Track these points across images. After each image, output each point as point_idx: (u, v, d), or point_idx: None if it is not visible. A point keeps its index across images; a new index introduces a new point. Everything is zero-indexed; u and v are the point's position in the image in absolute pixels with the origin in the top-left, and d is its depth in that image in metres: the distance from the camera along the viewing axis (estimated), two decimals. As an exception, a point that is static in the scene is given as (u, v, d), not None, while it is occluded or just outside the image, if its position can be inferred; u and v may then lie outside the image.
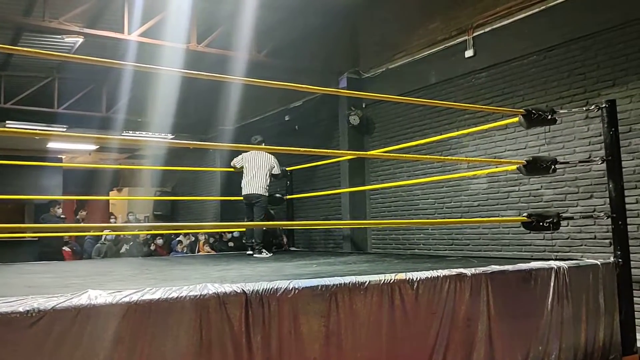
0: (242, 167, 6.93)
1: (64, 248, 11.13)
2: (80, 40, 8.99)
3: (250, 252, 6.69)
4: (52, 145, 13.91)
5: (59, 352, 2.08)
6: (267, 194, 6.81)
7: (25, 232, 12.13)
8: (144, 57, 8.17)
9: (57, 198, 14.70)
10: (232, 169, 7.26)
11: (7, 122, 11.11)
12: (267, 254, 6.48)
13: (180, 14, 7.88)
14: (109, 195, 16.58)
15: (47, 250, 9.47)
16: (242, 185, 6.87)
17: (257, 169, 6.77)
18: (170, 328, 2.29)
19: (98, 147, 14.94)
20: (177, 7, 7.81)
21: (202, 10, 8.21)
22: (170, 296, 2.33)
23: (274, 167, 6.85)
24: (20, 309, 2.03)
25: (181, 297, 2.35)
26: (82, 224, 13.30)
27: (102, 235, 10.77)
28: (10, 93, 11.29)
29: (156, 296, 2.31)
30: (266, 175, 6.77)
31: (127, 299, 2.24)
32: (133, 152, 16.34)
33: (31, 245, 11.02)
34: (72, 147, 14.98)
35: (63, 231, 9.81)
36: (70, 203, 17.09)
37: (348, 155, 8.00)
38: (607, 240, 5.39)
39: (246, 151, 6.94)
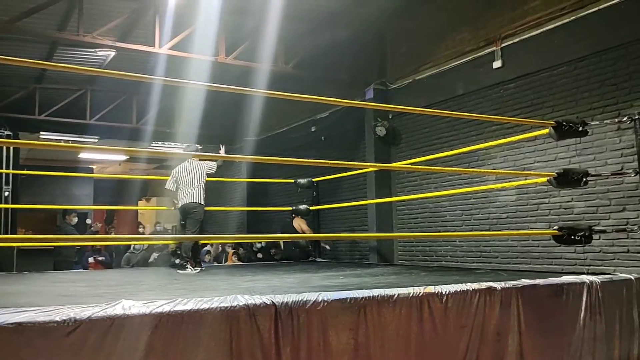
0: (175, 185, 6.41)
1: (90, 260, 11.28)
2: (112, 53, 9.21)
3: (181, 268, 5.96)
4: (83, 155, 14.24)
5: (93, 360, 2.12)
6: (203, 204, 6.32)
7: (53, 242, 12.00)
8: (173, 69, 8.35)
9: (86, 208, 15.05)
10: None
11: (40, 133, 11.41)
12: (192, 270, 5.77)
13: (209, 27, 8.02)
14: (137, 205, 16.83)
15: (60, 260, 9.28)
16: (179, 198, 6.34)
17: (190, 179, 6.30)
18: (201, 338, 2.33)
19: (128, 157, 15.24)
20: (205, 20, 7.94)
21: (230, 23, 8.34)
22: (202, 307, 2.36)
23: (209, 170, 6.41)
24: (57, 319, 2.09)
25: (212, 308, 2.38)
26: (109, 235, 13.52)
27: (131, 245, 10.92)
28: (44, 105, 11.59)
29: (188, 307, 2.35)
30: (200, 185, 6.31)
31: (159, 310, 2.28)
32: (162, 163, 16.60)
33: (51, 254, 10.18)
34: (103, 158, 15.32)
35: (78, 241, 9.46)
36: (101, 212, 17.45)
37: (372, 167, 7.95)
38: (641, 254, 5.28)
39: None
